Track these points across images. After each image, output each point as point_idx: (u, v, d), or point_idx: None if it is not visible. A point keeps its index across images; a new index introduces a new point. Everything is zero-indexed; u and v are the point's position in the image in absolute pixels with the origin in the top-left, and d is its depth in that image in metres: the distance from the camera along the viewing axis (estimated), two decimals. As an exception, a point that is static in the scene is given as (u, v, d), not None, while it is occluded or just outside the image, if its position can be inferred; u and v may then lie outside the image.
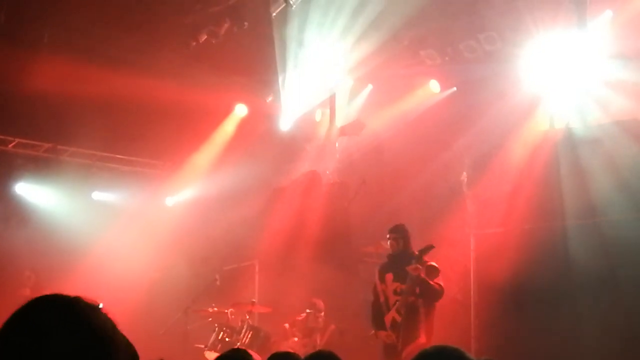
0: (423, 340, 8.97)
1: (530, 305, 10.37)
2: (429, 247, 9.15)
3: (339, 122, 13.76)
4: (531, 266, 10.36)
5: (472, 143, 11.62)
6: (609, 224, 9.85)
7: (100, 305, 2.17)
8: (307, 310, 11.10)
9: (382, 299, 9.43)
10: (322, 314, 11.16)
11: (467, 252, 11.18)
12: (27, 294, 12.33)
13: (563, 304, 10.09)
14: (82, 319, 2.04)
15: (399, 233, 9.52)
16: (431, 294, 9.12)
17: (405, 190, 12.13)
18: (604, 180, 9.93)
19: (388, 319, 9.24)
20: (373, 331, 9.51)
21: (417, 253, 9.10)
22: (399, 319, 9.07)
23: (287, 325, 11.32)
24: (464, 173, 11.57)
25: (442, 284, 9.20)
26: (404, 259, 9.36)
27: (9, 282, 12.46)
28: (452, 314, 10.20)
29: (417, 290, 9.03)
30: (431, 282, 9.05)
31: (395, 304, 9.21)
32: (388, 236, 9.58)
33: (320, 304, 11.25)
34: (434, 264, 9.23)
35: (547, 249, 10.36)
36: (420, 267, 8.98)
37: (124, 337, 2.16)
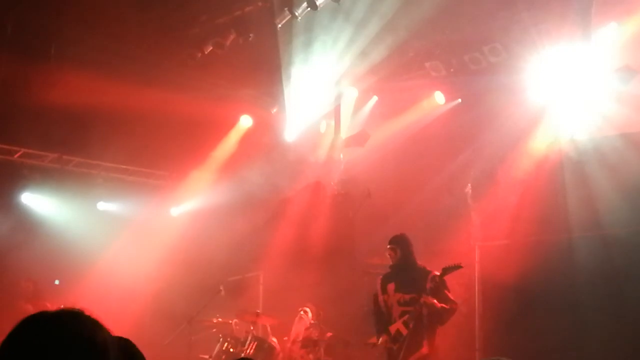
0: (425, 351, 8.93)
1: (535, 318, 10.35)
2: (456, 267, 9.03)
3: (344, 133, 13.77)
4: (536, 278, 10.34)
5: (476, 155, 11.62)
6: (614, 237, 9.84)
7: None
8: (312, 321, 11.09)
9: (383, 309, 9.40)
10: (310, 315, 11.17)
11: (472, 264, 11.16)
12: (28, 306, 12.35)
13: (568, 316, 10.07)
14: (78, 334, 2.06)
15: (397, 243, 9.49)
16: (445, 318, 9.08)
17: (410, 201, 12.12)
18: (609, 193, 9.93)
19: (392, 330, 9.20)
20: (374, 338, 9.45)
21: (441, 270, 9.01)
22: (405, 331, 9.01)
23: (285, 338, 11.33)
24: (469, 185, 11.57)
25: (454, 300, 9.12)
26: (406, 269, 9.34)
27: (13, 291, 12.47)
28: (456, 325, 10.18)
29: (426, 311, 8.98)
30: (446, 307, 8.98)
31: (401, 315, 9.16)
32: (387, 247, 9.55)
33: (310, 310, 11.26)
34: (438, 274, 9.17)
35: (552, 262, 10.35)
36: (435, 302, 8.89)
37: (117, 342, 2.19)
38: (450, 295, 9.11)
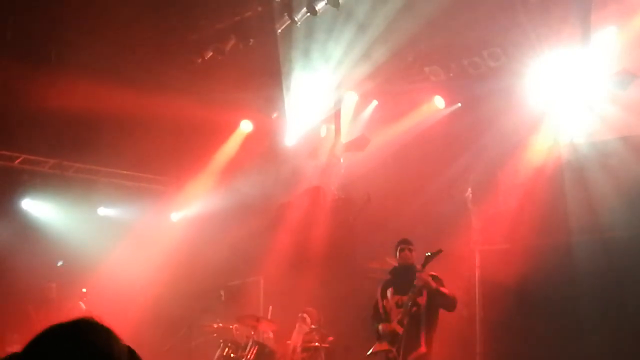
0: (424, 350, 8.83)
1: (535, 321, 10.35)
2: (437, 252, 8.95)
3: (344, 137, 13.78)
4: (537, 282, 10.34)
5: (476, 159, 11.63)
6: (614, 240, 9.84)
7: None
8: (312, 326, 11.09)
9: (382, 315, 9.36)
10: (308, 320, 11.15)
11: (472, 268, 11.16)
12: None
13: (569, 320, 10.06)
14: (96, 347, 2.07)
15: (412, 245, 9.38)
16: (444, 302, 8.89)
17: (410, 206, 12.12)
18: (609, 196, 9.93)
19: (388, 329, 9.15)
20: (374, 346, 9.39)
21: (424, 257, 8.94)
22: (400, 330, 8.93)
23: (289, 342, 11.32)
24: (469, 189, 11.57)
25: (453, 292, 9.04)
26: (407, 273, 9.30)
27: (14, 296, 12.48)
28: (457, 329, 10.17)
29: (425, 298, 8.88)
30: (442, 290, 8.87)
31: (397, 316, 9.12)
32: (402, 247, 9.32)
33: (311, 314, 11.24)
34: (433, 274, 9.09)
35: (552, 265, 10.34)
36: (428, 277, 8.82)
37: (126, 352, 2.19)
38: (445, 289, 8.99)
